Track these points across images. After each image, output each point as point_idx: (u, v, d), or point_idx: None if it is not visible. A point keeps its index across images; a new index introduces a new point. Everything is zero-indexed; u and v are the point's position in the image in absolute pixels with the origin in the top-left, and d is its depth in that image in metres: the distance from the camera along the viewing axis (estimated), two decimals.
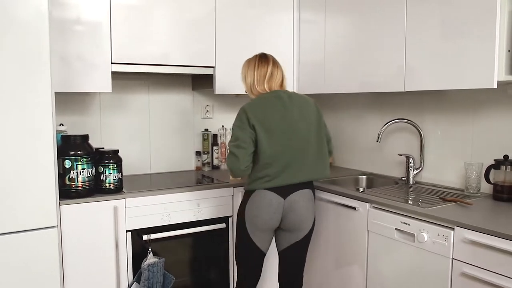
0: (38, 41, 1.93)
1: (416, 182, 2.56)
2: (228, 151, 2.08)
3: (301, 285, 2.28)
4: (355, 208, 2.24)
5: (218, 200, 2.50)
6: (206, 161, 3.02)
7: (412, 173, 2.54)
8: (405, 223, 1.98)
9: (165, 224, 2.35)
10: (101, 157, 2.24)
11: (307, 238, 2.18)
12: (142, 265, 2.23)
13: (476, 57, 1.93)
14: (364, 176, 2.84)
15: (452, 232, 1.78)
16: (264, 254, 2.18)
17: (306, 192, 2.12)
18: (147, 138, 2.88)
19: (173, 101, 2.95)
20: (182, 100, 2.98)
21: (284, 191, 2.07)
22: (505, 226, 1.68)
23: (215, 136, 3.07)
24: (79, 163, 2.13)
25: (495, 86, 1.88)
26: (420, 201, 2.10)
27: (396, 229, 2.03)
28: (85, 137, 2.20)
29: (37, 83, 1.94)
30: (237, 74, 2.76)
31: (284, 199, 2.07)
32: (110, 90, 2.37)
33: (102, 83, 2.35)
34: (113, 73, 2.59)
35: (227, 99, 3.15)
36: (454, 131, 2.40)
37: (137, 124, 2.85)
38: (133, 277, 2.29)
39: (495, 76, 1.86)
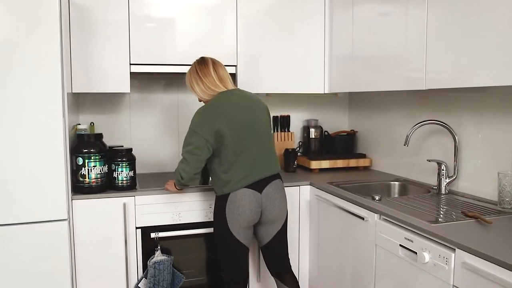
0: (49, 45, 2.05)
1: (449, 192, 2.25)
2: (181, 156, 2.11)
3: (290, 264, 2.32)
4: (363, 218, 2.04)
5: None
6: None
7: (444, 182, 2.24)
8: (408, 240, 1.75)
9: (175, 223, 2.38)
10: (114, 155, 2.33)
11: (286, 224, 2.24)
12: (148, 262, 2.28)
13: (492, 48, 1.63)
14: (397, 183, 2.58)
15: (453, 254, 1.53)
16: (248, 249, 2.19)
17: (278, 182, 2.17)
18: (176, 137, 2.93)
19: None
20: None
21: (258, 185, 2.10)
22: None
23: None
24: (90, 160, 2.23)
25: None
26: (435, 215, 1.84)
27: (400, 245, 1.80)
28: (99, 136, 2.30)
29: (49, 85, 2.06)
30: (261, 72, 2.71)
31: (261, 193, 2.10)
32: (128, 90, 2.45)
33: (121, 84, 2.44)
34: (141, 73, 2.70)
35: None
36: (494, 135, 2.06)
37: (166, 123, 2.91)
38: (143, 273, 2.35)
39: None
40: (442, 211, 1.92)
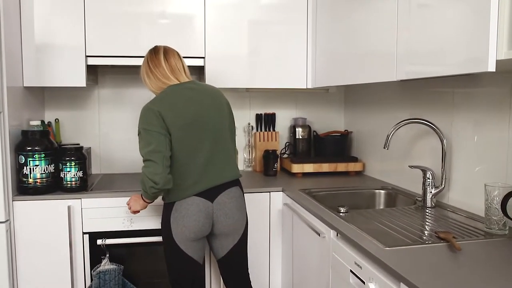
0: None
1: (437, 205, 1.88)
2: (143, 161, 1.77)
3: (250, 281, 2.05)
4: (319, 234, 1.73)
5: None
6: None
7: (429, 193, 1.86)
8: (358, 265, 1.42)
9: (126, 230, 2.16)
10: (62, 153, 2.15)
11: (244, 238, 1.96)
12: (92, 272, 2.08)
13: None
14: (383, 191, 2.22)
15: None
16: (201, 265, 1.91)
17: (234, 190, 1.89)
18: None
19: None
20: None
21: (210, 193, 1.83)
22: None
23: None
24: (33, 159, 2.06)
25: (493, 69, 1.20)
26: (400, 235, 1.49)
27: (351, 271, 1.48)
28: (45, 133, 2.13)
29: None
30: (234, 65, 2.44)
31: (212, 202, 1.83)
32: (84, 84, 2.27)
33: (77, 77, 2.26)
34: (111, 67, 2.53)
35: (237, 94, 2.81)
36: (493, 138, 1.67)
37: (136, 119, 2.71)
38: (91, 282, 2.15)
39: (491, 53, 1.19)
40: (414, 229, 1.57)
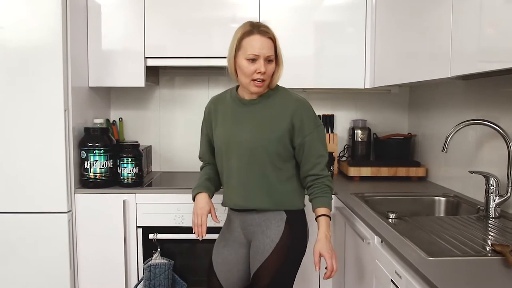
0: (51, 40, 2.06)
1: (501, 215, 1.68)
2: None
3: None
4: (363, 240, 1.62)
5: None
6: None
7: (492, 201, 1.67)
8: (398, 274, 1.31)
9: (177, 226, 2.21)
10: (120, 150, 2.26)
11: None
12: (143, 265, 2.15)
13: None
14: (443, 199, 2.04)
15: None
16: None
17: None
18: None
19: None
20: None
21: None
22: None
23: None
24: (93, 154, 2.19)
25: None
26: (449, 245, 1.35)
27: (391, 280, 1.36)
28: (105, 130, 2.26)
29: (51, 80, 2.08)
30: (290, 66, 2.39)
31: None
32: (143, 84, 2.37)
33: (136, 78, 2.36)
34: (169, 68, 2.62)
35: None
36: None
37: (196, 119, 2.76)
38: (143, 274, 2.23)
39: None
40: (468, 240, 1.42)
